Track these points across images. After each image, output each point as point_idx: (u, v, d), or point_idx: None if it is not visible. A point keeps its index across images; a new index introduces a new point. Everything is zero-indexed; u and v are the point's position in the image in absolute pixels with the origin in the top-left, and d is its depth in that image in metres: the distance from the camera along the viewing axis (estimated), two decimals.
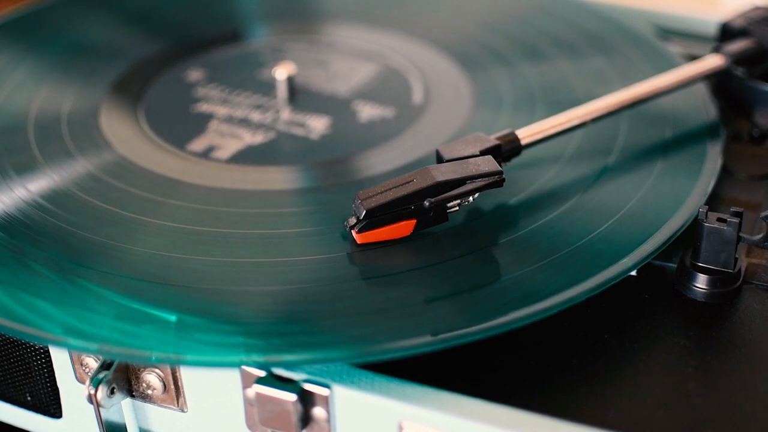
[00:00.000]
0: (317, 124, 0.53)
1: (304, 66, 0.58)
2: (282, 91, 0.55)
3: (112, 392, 0.40)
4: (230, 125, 0.53)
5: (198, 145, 0.51)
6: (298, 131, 0.52)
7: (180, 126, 0.53)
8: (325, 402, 0.37)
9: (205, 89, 0.56)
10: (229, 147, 0.51)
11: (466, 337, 0.37)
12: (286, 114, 0.54)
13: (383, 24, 0.63)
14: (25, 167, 0.48)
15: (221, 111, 0.54)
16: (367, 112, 0.54)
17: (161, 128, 0.52)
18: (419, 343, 0.37)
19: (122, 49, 0.60)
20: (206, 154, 0.50)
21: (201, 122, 0.53)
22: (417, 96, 0.55)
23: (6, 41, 0.61)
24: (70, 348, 0.39)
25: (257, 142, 0.51)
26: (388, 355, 0.36)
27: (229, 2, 0.67)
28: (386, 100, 0.55)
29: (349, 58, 0.59)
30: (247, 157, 0.50)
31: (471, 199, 0.43)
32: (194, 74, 0.58)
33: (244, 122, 0.53)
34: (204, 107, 0.54)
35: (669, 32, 0.62)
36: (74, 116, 0.53)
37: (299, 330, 0.38)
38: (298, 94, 0.56)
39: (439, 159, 0.44)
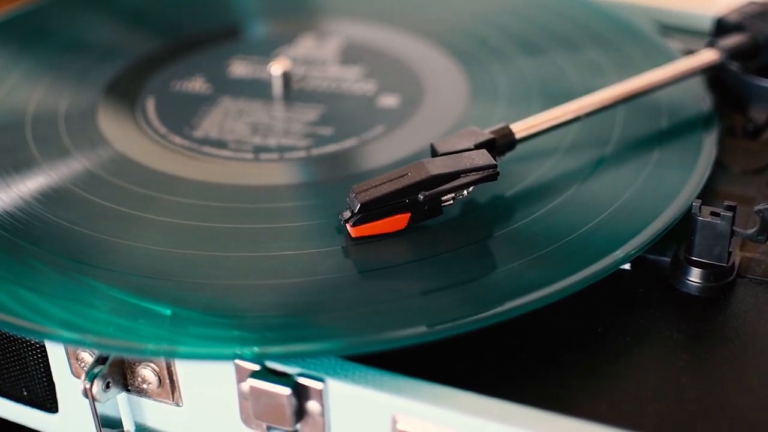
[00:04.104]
0: (312, 119, 0.53)
1: (299, 61, 0.59)
2: (278, 87, 0.55)
3: (107, 387, 0.40)
4: (263, 126, 0.53)
5: (195, 141, 0.51)
6: (294, 126, 0.52)
7: (177, 123, 0.53)
8: (319, 396, 0.37)
9: (202, 86, 0.56)
10: (225, 142, 0.51)
11: (460, 328, 0.37)
12: (281, 109, 0.54)
13: (379, 18, 0.63)
14: (22, 165, 0.48)
15: (238, 117, 0.54)
16: (362, 106, 0.54)
17: (158, 125, 0.52)
18: (414, 333, 0.37)
19: (119, 47, 0.60)
20: (202, 149, 0.50)
21: (199, 120, 0.53)
22: (413, 90, 0.55)
23: (3, 40, 0.61)
24: (65, 342, 0.39)
25: (253, 137, 0.51)
26: (384, 346, 0.36)
27: None
28: (382, 95, 0.55)
29: (345, 53, 0.60)
30: (242, 152, 0.50)
31: (465, 192, 0.43)
32: (191, 71, 0.58)
33: (242, 118, 0.53)
34: (201, 104, 0.55)
35: (666, 27, 0.62)
36: (71, 114, 0.53)
37: (294, 323, 0.38)
38: (293, 90, 0.56)
39: (434, 153, 0.44)
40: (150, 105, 0.54)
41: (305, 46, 0.60)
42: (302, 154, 0.50)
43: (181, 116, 0.53)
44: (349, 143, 0.50)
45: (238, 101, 0.55)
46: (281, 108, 0.54)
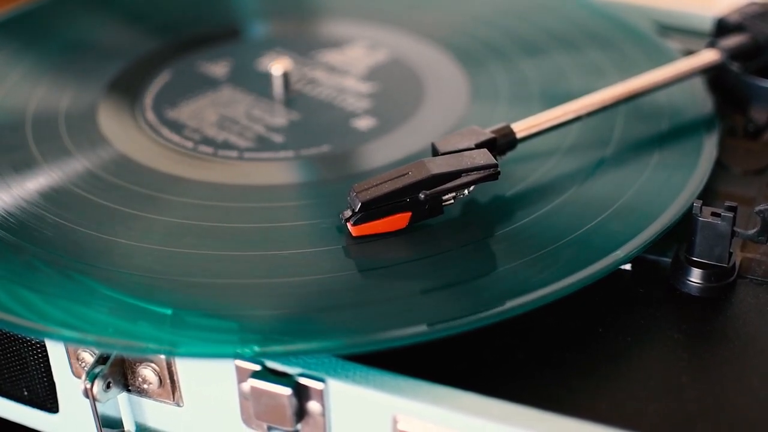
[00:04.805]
0: (279, 124, 0.53)
1: (300, 62, 0.59)
2: (278, 87, 0.55)
3: (108, 387, 0.40)
4: (229, 121, 0.53)
5: (161, 121, 0.52)
6: (255, 127, 0.52)
7: (164, 101, 0.53)
8: (320, 396, 0.37)
9: (221, 71, 0.56)
10: (183, 128, 0.51)
11: (460, 327, 0.37)
12: (262, 109, 0.54)
13: (380, 19, 0.63)
14: (22, 164, 0.48)
15: (219, 107, 0.54)
16: (363, 106, 0.54)
17: (159, 125, 0.52)
18: (415, 333, 0.37)
19: (120, 47, 0.60)
20: (204, 149, 0.50)
21: (185, 101, 0.54)
22: (414, 90, 0.55)
23: (4, 40, 0.61)
24: (65, 340, 0.39)
25: (255, 137, 0.51)
26: (384, 345, 0.37)
27: None
28: (383, 95, 0.55)
29: (345, 54, 0.60)
30: (187, 140, 0.51)
31: (466, 191, 0.43)
32: (192, 71, 0.58)
33: (242, 117, 0.53)
34: (202, 103, 0.55)
35: (665, 27, 0.62)
36: (72, 114, 0.53)
37: (294, 322, 0.38)
38: (292, 91, 0.56)
39: (435, 152, 0.44)
40: (151, 104, 0.54)
41: (348, 54, 0.59)
42: (234, 154, 0.50)
43: (174, 95, 0.54)
44: (283, 155, 0.50)
45: (235, 92, 0.55)
46: (263, 107, 0.54)
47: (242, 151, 0.50)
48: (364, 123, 0.52)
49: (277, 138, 0.51)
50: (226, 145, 0.50)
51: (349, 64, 0.58)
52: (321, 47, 0.60)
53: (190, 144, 0.50)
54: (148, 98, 0.55)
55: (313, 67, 0.58)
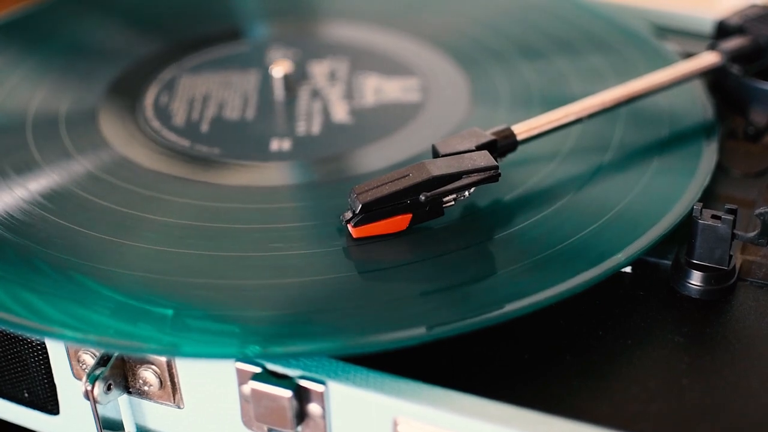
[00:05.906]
0: (233, 118, 0.53)
1: (300, 63, 0.59)
2: (277, 88, 0.55)
3: (108, 388, 0.40)
4: (204, 100, 0.53)
5: (161, 104, 0.53)
6: (208, 113, 0.53)
7: (179, 124, 0.53)
8: (321, 398, 0.37)
9: (203, 87, 0.56)
10: (164, 96, 0.53)
11: (460, 329, 0.37)
12: (254, 108, 0.54)
13: (380, 22, 0.63)
14: (23, 166, 0.48)
15: (219, 86, 0.54)
16: (363, 108, 0.54)
17: (160, 127, 0.52)
18: (414, 335, 0.37)
19: (120, 49, 0.60)
20: (146, 95, 0.52)
21: (192, 89, 0.54)
22: (414, 93, 0.55)
23: (4, 42, 0.61)
24: (66, 340, 0.39)
25: (195, 121, 0.52)
26: (384, 347, 0.37)
27: (228, 1, 0.67)
28: (383, 97, 0.55)
29: (346, 56, 0.60)
30: (154, 104, 0.52)
31: (467, 193, 0.43)
32: (192, 72, 0.58)
33: (216, 102, 0.53)
34: (215, 78, 0.55)
35: (666, 30, 0.63)
36: (72, 116, 0.53)
37: (294, 323, 0.38)
38: (294, 92, 0.56)
39: (435, 154, 0.44)
40: (151, 106, 0.54)
41: (385, 84, 0.57)
42: (157, 126, 0.52)
43: (183, 117, 0.54)
44: (182, 142, 0.51)
45: (251, 79, 0.56)
46: (245, 100, 0.54)
47: (165, 128, 0.52)
48: (278, 144, 0.51)
49: (204, 128, 0.52)
50: (166, 118, 0.52)
51: (370, 93, 0.56)
52: (374, 70, 0.58)
53: (149, 109, 0.53)
54: (149, 99, 0.55)
55: (339, 84, 0.57)
